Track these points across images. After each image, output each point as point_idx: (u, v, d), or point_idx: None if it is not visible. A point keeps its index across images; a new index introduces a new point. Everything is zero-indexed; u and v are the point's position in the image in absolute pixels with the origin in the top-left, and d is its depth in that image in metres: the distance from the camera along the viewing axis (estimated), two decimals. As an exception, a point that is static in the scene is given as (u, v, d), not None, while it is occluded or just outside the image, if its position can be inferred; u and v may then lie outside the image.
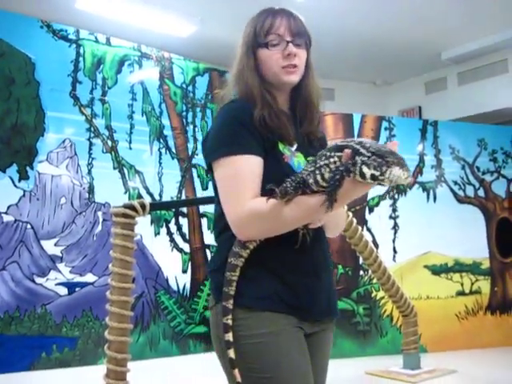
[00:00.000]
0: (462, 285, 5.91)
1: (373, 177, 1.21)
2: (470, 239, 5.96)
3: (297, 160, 1.51)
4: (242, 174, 1.40)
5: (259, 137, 1.44)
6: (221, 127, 1.46)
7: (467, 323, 5.87)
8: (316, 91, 1.60)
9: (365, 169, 1.21)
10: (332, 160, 1.30)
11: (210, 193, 5.88)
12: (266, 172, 1.43)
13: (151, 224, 5.45)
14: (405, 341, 4.68)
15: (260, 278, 1.43)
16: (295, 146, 1.52)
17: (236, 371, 1.37)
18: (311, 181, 1.33)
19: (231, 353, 1.37)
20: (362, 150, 1.24)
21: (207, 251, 5.83)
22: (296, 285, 1.45)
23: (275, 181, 1.37)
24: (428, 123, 5.99)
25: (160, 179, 5.57)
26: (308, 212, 1.36)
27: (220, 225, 1.49)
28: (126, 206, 2.84)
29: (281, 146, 1.49)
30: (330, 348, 1.61)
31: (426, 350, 5.46)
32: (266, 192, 1.38)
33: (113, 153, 5.32)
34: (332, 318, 1.59)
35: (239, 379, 1.37)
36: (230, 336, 1.38)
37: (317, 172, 1.32)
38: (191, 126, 5.87)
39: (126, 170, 5.37)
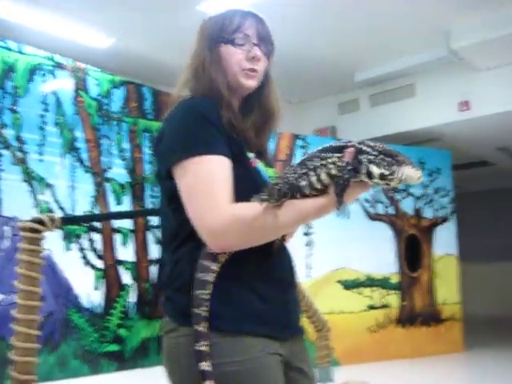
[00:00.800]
0: (372, 299, 6.09)
1: (382, 176, 1.14)
2: (381, 255, 6.18)
3: (261, 165, 1.41)
4: (216, 176, 1.22)
5: (226, 137, 1.30)
6: (185, 125, 1.27)
7: (378, 336, 6.06)
8: (278, 103, 1.49)
9: (373, 168, 1.15)
10: (330, 160, 1.20)
11: (124, 208, 5.76)
12: (234, 177, 1.27)
13: (63, 239, 5.27)
14: (318, 355, 4.75)
15: (235, 295, 1.26)
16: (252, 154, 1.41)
17: None
18: (304, 183, 1.21)
19: None
20: (367, 149, 1.18)
21: (120, 268, 5.69)
22: (273, 298, 1.30)
23: (244, 187, 1.26)
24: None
25: (72, 193, 5.40)
26: (299, 217, 1.24)
27: (179, 236, 1.30)
28: (33, 220, 2.72)
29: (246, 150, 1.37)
30: (310, 362, 1.46)
31: (339, 363, 5.57)
32: (238, 199, 1.24)
33: (22, 165, 5.12)
34: (302, 331, 1.44)
35: None
36: (206, 365, 1.18)
37: (311, 174, 1.21)
38: (106, 140, 5.74)
39: (36, 183, 5.17)
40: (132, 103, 6.01)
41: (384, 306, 6.15)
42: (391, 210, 6.33)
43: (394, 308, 6.22)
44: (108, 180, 5.71)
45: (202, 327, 1.20)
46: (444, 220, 6.72)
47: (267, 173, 1.42)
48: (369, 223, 6.12)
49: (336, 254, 5.80)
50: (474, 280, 9.89)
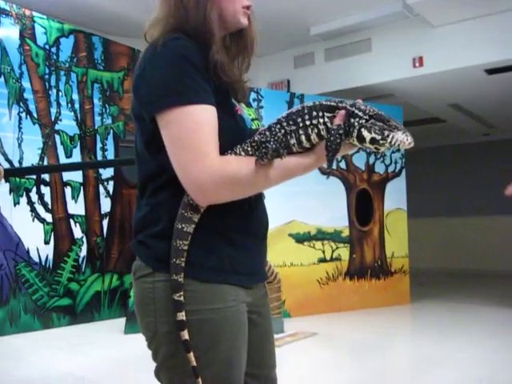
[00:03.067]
0: (323, 252, 6.21)
1: (373, 141, 1.14)
2: (332, 209, 6.27)
3: (247, 112, 1.37)
4: (203, 127, 1.17)
5: (212, 83, 1.23)
6: (169, 69, 1.19)
7: (328, 288, 6.20)
8: (256, 36, 1.44)
9: (365, 132, 1.14)
10: (321, 120, 1.19)
11: (74, 161, 5.65)
12: (219, 125, 1.21)
13: (10, 193, 5.15)
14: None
15: (211, 245, 1.25)
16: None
17: (191, 355, 1.18)
18: (293, 141, 1.20)
19: (185, 334, 1.18)
20: (358, 112, 1.17)
21: (71, 221, 5.62)
22: (247, 249, 1.30)
23: (230, 136, 1.22)
24: (295, 96, 6.17)
25: (20, 145, 5.24)
26: (287, 176, 1.24)
27: (157, 180, 1.26)
28: (-25, 172, 2.64)
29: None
30: (269, 306, 1.49)
31: (290, 315, 5.71)
32: (222, 149, 1.20)
33: (-34, 116, 4.94)
34: (266, 278, 1.47)
35: (195, 363, 1.18)
36: (183, 315, 1.18)
37: (300, 132, 1.20)
38: (54, 90, 5.57)
39: (-19, 135, 5.00)
40: (81, 53, 5.83)
41: (334, 259, 6.28)
42: (343, 165, 6.40)
43: (344, 261, 6.36)
44: (57, 132, 5.57)
45: (180, 277, 1.19)
46: (395, 175, 6.84)
47: (250, 121, 1.38)
48: (320, 177, 6.16)
49: (287, 207, 5.85)
50: (420, 234, 10.20)
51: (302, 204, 5.96)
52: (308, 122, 1.20)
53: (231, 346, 1.26)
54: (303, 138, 1.21)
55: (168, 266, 1.21)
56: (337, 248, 6.31)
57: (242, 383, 1.30)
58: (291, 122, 1.22)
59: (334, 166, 6.33)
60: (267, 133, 1.23)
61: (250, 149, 1.22)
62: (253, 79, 7.55)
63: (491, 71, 6.31)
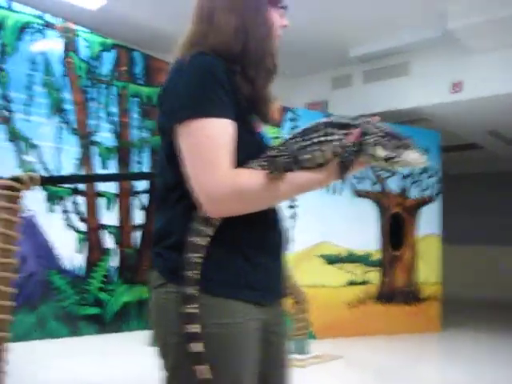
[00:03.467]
0: (353, 275, 6.14)
1: (387, 158, 1.15)
2: (364, 232, 6.21)
3: (272, 132, 1.40)
4: (220, 140, 1.19)
5: (233, 100, 1.25)
6: (192, 82, 1.22)
7: (357, 311, 6.12)
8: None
9: (379, 150, 1.15)
10: (336, 137, 1.19)
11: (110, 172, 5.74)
12: (236, 140, 1.23)
13: (46, 201, 5.25)
14: (295, 327, 4.81)
15: (226, 260, 1.25)
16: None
17: (201, 367, 1.18)
18: (306, 157, 1.21)
19: (200, 346, 1.18)
20: (373, 129, 1.17)
21: (104, 231, 5.70)
22: (263, 266, 1.30)
23: (247, 151, 1.24)
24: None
25: (58, 155, 5.36)
26: (297, 190, 1.24)
27: (174, 193, 1.28)
28: (12, 178, 2.71)
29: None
30: (285, 326, 1.48)
31: (316, 337, 5.64)
32: (238, 163, 1.22)
33: (8, 124, 5.07)
34: (283, 297, 1.46)
35: (202, 375, 1.18)
36: (196, 327, 1.19)
37: (314, 148, 1.20)
38: (94, 103, 5.69)
39: (21, 143, 5.13)
40: (122, 67, 5.95)
41: (364, 283, 6.21)
42: (377, 188, 6.35)
43: (375, 285, 6.28)
44: (94, 143, 5.68)
45: (192, 290, 1.20)
46: (429, 200, 6.75)
47: (271, 139, 1.39)
48: (354, 200, 6.13)
49: (319, 228, 5.82)
50: (454, 261, 10.00)
51: (334, 226, 5.92)
52: (323, 139, 1.21)
53: (239, 362, 1.25)
54: (317, 153, 1.21)
55: (180, 278, 1.22)
56: (367, 271, 6.24)
57: None
58: (306, 138, 1.23)
59: (369, 188, 6.29)
60: (281, 147, 1.24)
61: (264, 163, 1.23)
62: (290, 99, 7.62)
63: (531, 98, 6.20)
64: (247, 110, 1.31)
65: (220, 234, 1.24)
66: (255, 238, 1.30)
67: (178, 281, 1.23)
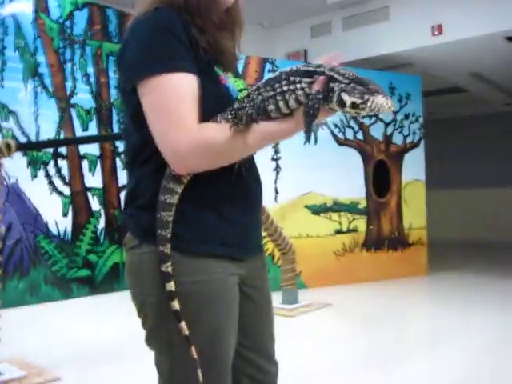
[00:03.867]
0: (340, 223, 6.20)
1: (353, 105, 1.12)
2: (349, 180, 6.24)
3: (232, 82, 1.35)
4: (182, 95, 1.17)
5: (193, 53, 1.22)
6: (148, 38, 1.19)
7: (344, 260, 6.21)
8: (243, 13, 1.42)
9: (345, 96, 1.12)
10: (299, 86, 1.16)
11: (90, 134, 5.69)
12: (201, 94, 1.21)
13: (27, 167, 5.22)
14: (283, 277, 4.88)
15: (197, 217, 1.24)
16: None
17: (183, 324, 1.19)
18: (271, 107, 1.18)
19: (176, 304, 1.19)
20: (338, 77, 1.14)
21: (88, 194, 5.69)
22: (236, 220, 1.29)
23: (212, 105, 1.22)
24: (311, 66, 6.09)
25: (36, 119, 5.30)
26: (266, 141, 1.22)
27: (142, 154, 1.26)
28: (-13, 146, 2.69)
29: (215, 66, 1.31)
30: (268, 280, 1.48)
31: (305, 286, 5.74)
32: (204, 118, 1.20)
33: (-18, 90, 4.98)
34: (262, 251, 1.45)
35: (187, 332, 1.19)
36: (172, 285, 1.19)
37: (278, 98, 1.17)
38: (69, 64, 5.59)
39: (-3, 110, 5.06)
40: (96, 26, 5.82)
41: (351, 231, 6.27)
42: (360, 136, 6.35)
43: (361, 232, 6.35)
44: (73, 105, 5.60)
45: (166, 249, 1.20)
46: (413, 146, 6.77)
47: (237, 91, 1.36)
48: (337, 148, 6.13)
49: (304, 179, 5.83)
50: (439, 205, 10.11)
51: (319, 175, 5.93)
52: (286, 88, 1.18)
53: (216, 318, 1.26)
54: (281, 103, 1.18)
55: (153, 238, 1.21)
56: (353, 219, 6.30)
57: (229, 355, 1.30)
58: (269, 88, 1.20)
59: (351, 137, 6.28)
60: (245, 100, 1.22)
61: (229, 117, 1.21)
62: (269, 50, 7.51)
63: (512, 38, 6.17)
64: (209, 62, 1.28)
65: (189, 190, 1.23)
66: (225, 193, 1.29)
67: (151, 241, 1.23)
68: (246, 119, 1.17)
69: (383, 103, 1.12)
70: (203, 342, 1.24)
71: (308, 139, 1.16)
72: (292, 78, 1.18)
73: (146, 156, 1.27)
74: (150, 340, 1.29)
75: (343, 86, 1.14)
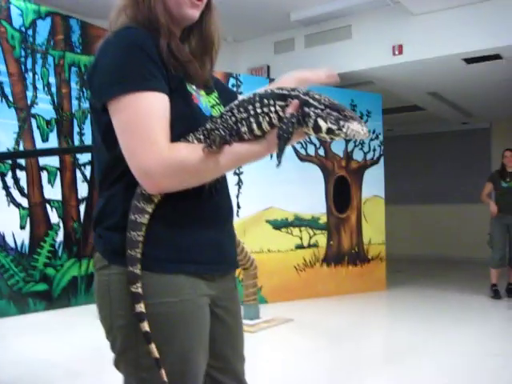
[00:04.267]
0: (301, 238, 6.25)
1: (329, 130, 1.13)
2: (310, 196, 6.30)
3: (205, 100, 1.33)
4: (153, 114, 1.16)
5: (164, 71, 1.21)
6: (119, 57, 1.18)
7: (305, 274, 6.25)
8: (218, 31, 1.40)
9: (321, 122, 1.13)
10: (273, 109, 1.17)
11: (51, 145, 5.59)
12: (172, 114, 1.20)
13: (-16, 177, 5.09)
14: (245, 293, 4.87)
15: (168, 236, 1.23)
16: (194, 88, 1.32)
17: (153, 346, 1.17)
18: (244, 129, 1.18)
19: (146, 326, 1.17)
20: (313, 102, 1.15)
21: (47, 206, 5.58)
22: (207, 238, 1.28)
23: (184, 124, 1.21)
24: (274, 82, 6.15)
25: (-5, 129, 5.18)
26: (238, 163, 1.23)
27: (112, 173, 1.25)
28: None
29: (187, 85, 1.29)
30: (238, 301, 1.47)
31: (266, 301, 5.74)
32: (176, 137, 1.19)
33: None
34: (234, 270, 1.45)
35: (157, 355, 1.17)
36: (141, 307, 1.17)
37: (251, 120, 1.18)
38: (30, 73, 5.49)
39: (-46, 118, 4.93)
40: (58, 35, 5.74)
41: (312, 246, 6.32)
42: (321, 152, 6.42)
43: (322, 247, 6.40)
44: (33, 116, 5.50)
45: (136, 269, 1.18)
46: (373, 163, 6.88)
47: (209, 109, 1.35)
48: (299, 164, 6.19)
49: (265, 193, 5.87)
50: (397, 221, 10.30)
51: (280, 191, 5.97)
52: (259, 110, 1.19)
53: (186, 340, 1.25)
54: (254, 125, 1.19)
55: (123, 259, 1.20)
56: (314, 234, 6.35)
57: (199, 378, 1.29)
58: (242, 110, 1.20)
59: (313, 153, 6.35)
60: (218, 120, 1.22)
61: (201, 137, 1.21)
62: (232, 64, 7.54)
63: (470, 60, 6.36)
64: (181, 80, 1.27)
65: (159, 209, 1.22)
66: (195, 211, 1.27)
67: (120, 261, 1.21)
68: (219, 140, 1.17)
69: (358, 130, 1.14)
70: (173, 365, 1.22)
71: (279, 162, 1.16)
72: (266, 101, 1.19)
73: (116, 175, 1.25)
74: (119, 363, 1.27)
75: (319, 111, 1.15)
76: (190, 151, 1.17)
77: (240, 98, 1.26)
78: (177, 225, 1.25)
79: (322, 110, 1.15)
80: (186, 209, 1.26)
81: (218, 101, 1.41)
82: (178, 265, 1.24)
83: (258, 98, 1.20)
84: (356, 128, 1.14)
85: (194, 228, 1.27)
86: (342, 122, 1.14)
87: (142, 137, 1.15)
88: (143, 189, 1.19)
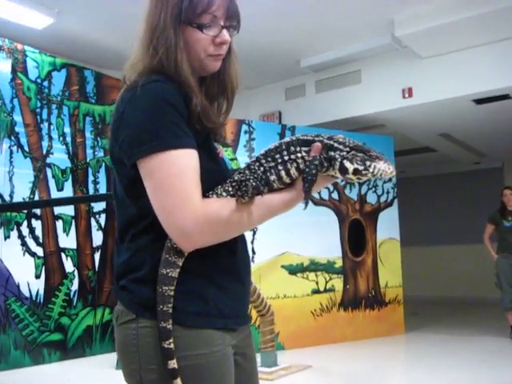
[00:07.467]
0: (317, 283, 6.18)
1: (355, 171, 1.15)
2: (325, 240, 6.26)
3: (226, 154, 1.36)
4: (186, 172, 1.15)
5: (192, 127, 1.22)
6: (149, 112, 1.16)
7: (322, 320, 6.16)
8: (237, 75, 1.40)
9: (347, 164, 1.15)
10: (299, 155, 1.20)
11: (66, 194, 5.63)
12: (200, 169, 1.19)
13: (0, 227, 5.11)
14: (262, 339, 4.80)
15: (195, 289, 1.22)
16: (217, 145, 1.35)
17: None
18: (273, 178, 1.20)
19: (179, 382, 1.16)
20: (338, 145, 1.18)
21: (62, 255, 5.58)
22: (233, 292, 1.28)
23: (211, 179, 1.21)
24: (286, 128, 6.21)
25: (11, 179, 5.23)
26: (270, 213, 1.22)
27: (139, 224, 1.23)
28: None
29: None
30: (254, 346, 1.46)
31: (284, 348, 5.65)
32: (204, 192, 1.19)
33: (-43, 150, 4.92)
34: (250, 319, 1.44)
35: None
36: (174, 363, 1.16)
37: (279, 167, 1.20)
38: (46, 124, 5.58)
39: (-29, 169, 4.99)
40: (73, 86, 5.86)
41: (328, 290, 6.25)
42: (335, 196, 6.42)
43: (338, 292, 6.33)
44: (48, 165, 5.56)
45: (168, 324, 1.17)
46: (387, 205, 6.86)
47: (231, 163, 1.38)
48: (313, 208, 6.18)
49: (280, 239, 5.84)
50: (413, 263, 10.18)
51: (295, 235, 5.94)
52: (286, 158, 1.21)
53: None
54: (283, 173, 1.21)
55: (152, 312, 1.19)
56: (330, 279, 6.29)
57: None
58: (269, 159, 1.22)
59: (327, 197, 6.35)
60: (247, 171, 1.23)
61: (230, 189, 1.21)
62: (244, 111, 7.63)
63: (479, 101, 6.39)
64: (207, 135, 1.29)
65: (188, 263, 1.21)
66: (223, 264, 1.27)
67: (149, 315, 1.20)
68: (251, 191, 1.17)
69: (385, 169, 1.15)
70: None
71: (306, 204, 1.18)
72: (292, 148, 1.22)
73: (142, 227, 1.24)
74: None
75: (344, 153, 1.17)
76: (223, 205, 1.18)
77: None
78: (206, 278, 1.25)
79: (348, 152, 1.17)
80: (214, 261, 1.26)
81: (233, 155, 1.42)
82: (208, 319, 1.23)
83: (284, 146, 1.23)
84: (382, 167, 1.15)
85: (222, 280, 1.27)
86: (368, 162, 1.15)
87: (177, 196, 1.15)
88: (174, 243, 1.18)
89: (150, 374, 1.20)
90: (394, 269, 6.83)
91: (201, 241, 1.18)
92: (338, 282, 6.35)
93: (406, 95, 6.46)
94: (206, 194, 1.20)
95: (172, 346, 1.17)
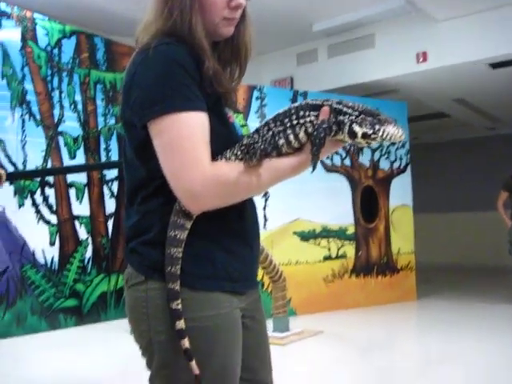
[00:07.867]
0: (329, 250, 6.20)
1: (364, 135, 1.14)
2: (337, 206, 6.25)
3: (237, 120, 1.36)
4: (197, 134, 1.16)
5: (203, 90, 1.21)
6: (161, 74, 1.17)
7: (334, 286, 6.19)
8: (251, 40, 1.39)
9: (356, 127, 1.14)
10: (308, 119, 1.19)
11: (78, 161, 5.66)
12: (210, 132, 1.20)
13: (14, 195, 5.16)
14: (274, 305, 4.84)
15: (206, 252, 1.24)
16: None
17: (193, 363, 1.17)
18: (282, 141, 1.20)
19: (186, 343, 1.17)
20: (347, 110, 1.17)
21: (76, 222, 5.63)
22: (241, 255, 1.30)
23: (221, 143, 1.21)
24: (298, 94, 6.15)
25: (23, 147, 5.25)
26: (279, 177, 1.22)
27: (148, 187, 1.24)
28: (-23, 177, 2.65)
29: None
30: (263, 310, 1.47)
31: (296, 313, 5.70)
32: (213, 155, 1.19)
33: (-31, 119, 4.94)
34: (258, 286, 1.46)
35: (197, 371, 1.17)
36: (182, 323, 1.17)
37: (288, 132, 1.19)
38: (57, 92, 5.57)
39: (-16, 138, 5.01)
40: (83, 54, 5.83)
41: (340, 257, 6.27)
42: (347, 162, 6.38)
43: (350, 258, 6.35)
44: (60, 133, 5.57)
45: (177, 285, 1.18)
46: (400, 172, 6.82)
47: (240, 128, 1.37)
48: (325, 175, 6.15)
49: (292, 205, 5.84)
50: (427, 230, 10.16)
51: (307, 202, 5.94)
52: (295, 122, 1.20)
53: (226, 352, 1.25)
54: (291, 137, 1.20)
55: (161, 274, 1.20)
56: (342, 245, 6.30)
57: None
58: (278, 123, 1.22)
59: (339, 163, 6.32)
60: (255, 135, 1.23)
61: (239, 153, 1.21)
62: (256, 77, 7.55)
63: (495, 65, 6.27)
64: (218, 99, 1.28)
65: (196, 226, 1.21)
66: (231, 228, 1.28)
67: (158, 277, 1.21)
68: (259, 153, 1.17)
69: (394, 132, 1.14)
70: (213, 376, 1.23)
71: (314, 167, 1.17)
72: (302, 113, 1.21)
73: (151, 190, 1.25)
74: (155, 380, 1.26)
75: (353, 117, 1.16)
76: (232, 168, 1.18)
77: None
78: (214, 241, 1.26)
79: (357, 116, 1.16)
80: (222, 225, 1.27)
81: (244, 122, 1.41)
82: (216, 282, 1.24)
83: (293, 111, 1.21)
84: (392, 131, 1.14)
85: (230, 244, 1.28)
86: (377, 126, 1.14)
87: (187, 158, 1.15)
88: (183, 205, 1.19)
89: (159, 335, 1.22)
90: (407, 235, 6.82)
91: (209, 203, 1.18)
92: (350, 249, 6.37)
93: (421, 59, 6.36)
94: (215, 157, 1.20)
95: (180, 307, 1.18)
